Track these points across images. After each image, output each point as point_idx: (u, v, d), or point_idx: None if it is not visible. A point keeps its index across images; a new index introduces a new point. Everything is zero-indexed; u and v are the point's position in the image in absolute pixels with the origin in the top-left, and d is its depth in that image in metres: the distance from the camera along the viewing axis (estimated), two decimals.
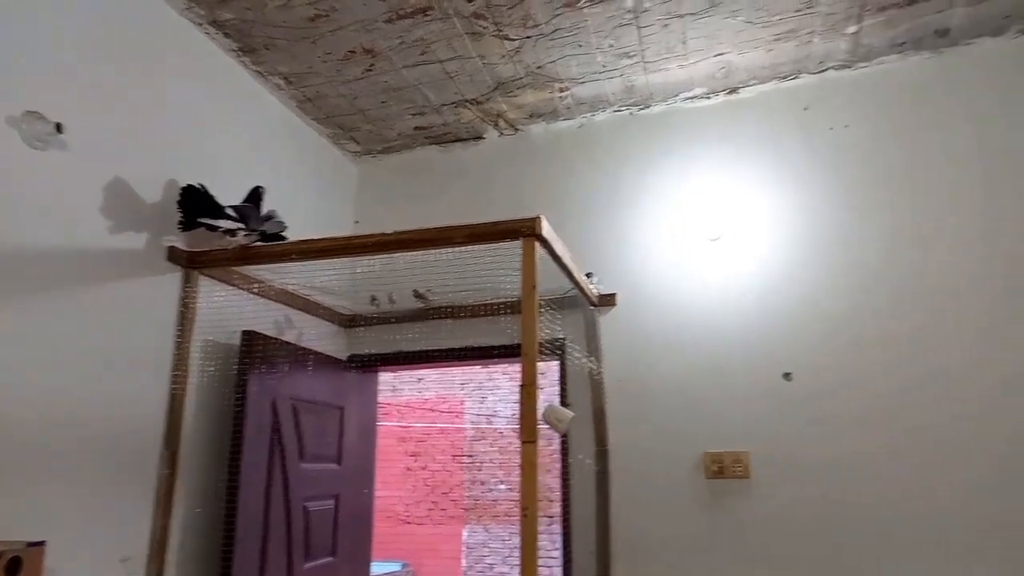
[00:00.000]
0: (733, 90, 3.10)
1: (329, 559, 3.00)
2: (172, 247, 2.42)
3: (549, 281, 2.58)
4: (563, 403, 3.02)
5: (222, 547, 2.47)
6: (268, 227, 2.47)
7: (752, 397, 2.80)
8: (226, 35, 2.68)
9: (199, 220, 2.34)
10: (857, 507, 2.60)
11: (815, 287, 2.82)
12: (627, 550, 2.82)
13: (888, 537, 2.55)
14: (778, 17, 2.62)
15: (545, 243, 2.20)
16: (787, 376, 2.78)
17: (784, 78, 3.02)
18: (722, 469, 2.77)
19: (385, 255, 2.68)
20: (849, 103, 2.94)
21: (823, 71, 2.97)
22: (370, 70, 2.92)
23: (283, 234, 2.55)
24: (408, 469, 10.56)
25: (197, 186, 2.39)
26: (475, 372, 10.22)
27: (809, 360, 2.77)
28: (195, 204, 2.36)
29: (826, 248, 2.85)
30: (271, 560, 2.62)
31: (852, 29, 2.70)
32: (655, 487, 2.84)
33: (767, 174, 3.00)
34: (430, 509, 10.34)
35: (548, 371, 3.24)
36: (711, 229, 3.01)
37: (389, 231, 2.35)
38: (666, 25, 2.66)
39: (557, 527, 2.99)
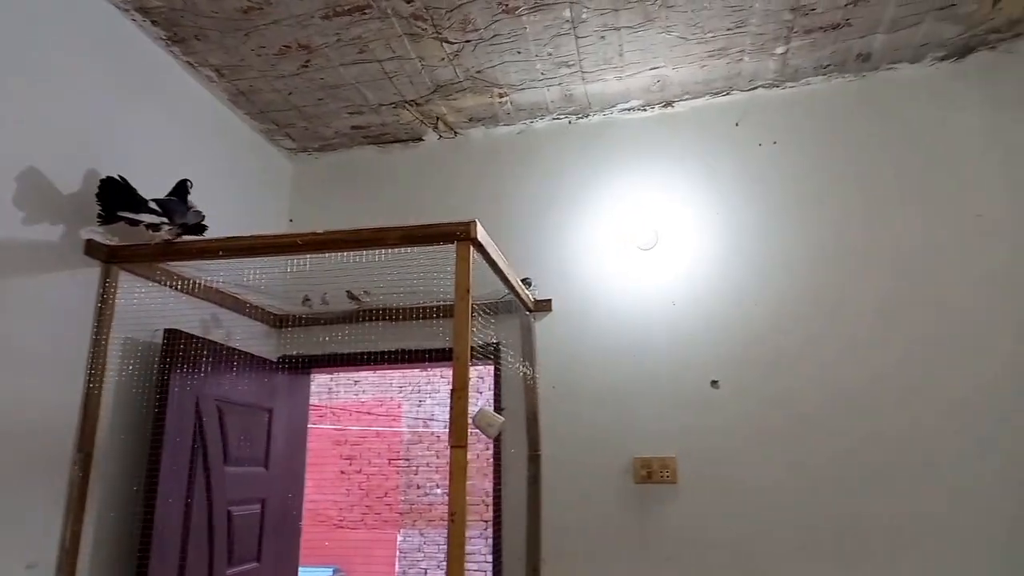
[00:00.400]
0: (668, 103, 3.18)
1: (254, 565, 2.93)
2: (90, 240, 2.33)
3: (486, 285, 2.59)
4: (497, 408, 3.02)
5: (138, 553, 2.38)
6: (188, 218, 2.39)
7: (681, 403, 2.87)
8: (154, 23, 2.59)
9: (119, 214, 2.25)
10: (780, 512, 2.68)
11: (742, 297, 2.90)
12: (556, 553, 2.84)
13: (810, 541, 2.64)
14: (711, 34, 2.70)
15: (480, 247, 2.21)
16: (715, 384, 2.86)
17: (716, 94, 3.11)
18: (650, 474, 2.83)
19: (317, 255, 2.64)
20: (777, 121, 3.05)
21: (753, 89, 3.07)
22: (306, 66, 2.87)
23: (204, 224, 2.48)
24: (343, 473, 10.38)
25: (117, 178, 2.30)
26: (413, 375, 10.14)
27: (736, 368, 2.85)
28: (115, 197, 2.26)
29: (753, 260, 2.94)
30: (191, 566, 2.54)
31: (780, 50, 2.80)
32: (585, 491, 2.88)
33: (699, 186, 3.08)
34: (364, 513, 10.20)
35: (487, 375, 3.25)
36: (644, 238, 3.07)
37: (321, 230, 2.32)
38: (603, 37, 2.70)
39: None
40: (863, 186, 2.89)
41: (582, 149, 3.27)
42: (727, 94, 3.11)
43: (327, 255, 2.57)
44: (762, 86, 3.06)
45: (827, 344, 2.78)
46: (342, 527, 10.16)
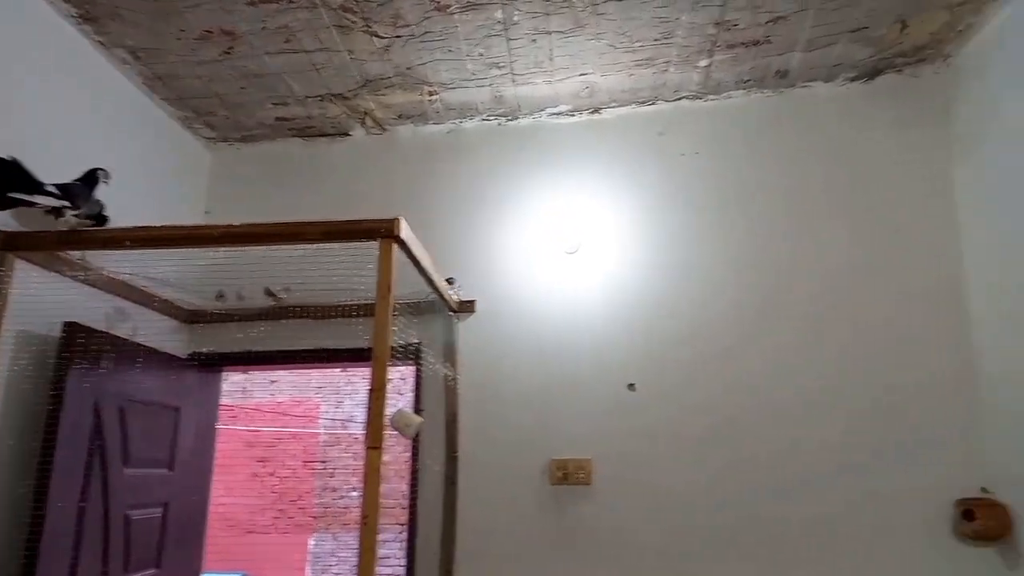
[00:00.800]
0: (596, 110, 3.22)
1: (152, 571, 2.79)
2: None
3: (408, 285, 2.55)
4: (417, 409, 2.98)
5: (23, 561, 2.22)
6: (91, 207, 2.26)
7: (598, 406, 2.90)
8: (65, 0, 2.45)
9: (11, 195, 2.10)
10: (695, 516, 2.75)
11: (660, 303, 2.97)
12: (471, 555, 2.82)
13: (721, 539, 2.71)
14: (638, 44, 2.75)
15: (403, 245, 2.17)
16: (631, 387, 2.91)
17: (642, 103, 3.17)
18: (566, 475, 2.85)
19: (234, 248, 2.53)
20: (699, 132, 3.13)
21: (678, 100, 3.15)
22: (228, 53, 2.76)
23: (105, 215, 2.35)
24: (255, 475, 10.05)
25: (9, 159, 2.14)
26: (333, 375, 9.92)
27: (652, 372, 2.90)
28: (6, 179, 2.11)
29: (672, 266, 3.00)
30: (83, 573, 2.39)
31: (704, 63, 2.89)
32: (502, 492, 2.88)
33: (623, 193, 3.13)
34: (276, 517, 9.90)
35: (409, 376, 3.20)
36: (569, 242, 3.10)
37: (238, 223, 2.23)
38: (534, 40, 2.72)
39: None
40: (781, 199, 2.99)
41: (511, 151, 3.27)
42: (652, 103, 3.17)
43: (245, 249, 2.48)
44: (686, 97, 3.14)
45: (747, 352, 2.86)
46: (252, 532, 9.83)
